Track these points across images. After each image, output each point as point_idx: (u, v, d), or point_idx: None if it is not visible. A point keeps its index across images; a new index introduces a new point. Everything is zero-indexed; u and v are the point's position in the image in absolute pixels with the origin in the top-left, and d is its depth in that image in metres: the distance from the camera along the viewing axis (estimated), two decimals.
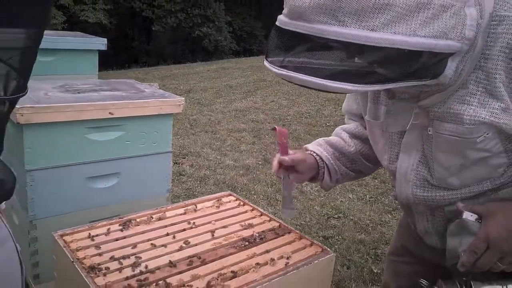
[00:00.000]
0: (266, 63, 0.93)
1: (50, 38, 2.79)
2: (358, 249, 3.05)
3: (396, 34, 0.79)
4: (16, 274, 0.84)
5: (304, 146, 1.45)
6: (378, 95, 1.13)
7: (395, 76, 0.85)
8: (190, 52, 21.96)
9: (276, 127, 1.33)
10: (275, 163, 1.33)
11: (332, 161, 1.37)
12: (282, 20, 0.88)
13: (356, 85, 0.84)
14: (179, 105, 2.04)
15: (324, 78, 0.83)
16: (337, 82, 0.83)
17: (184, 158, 4.86)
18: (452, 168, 1.06)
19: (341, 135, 1.42)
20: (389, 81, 0.86)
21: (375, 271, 2.79)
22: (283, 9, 0.89)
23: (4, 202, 0.88)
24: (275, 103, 7.65)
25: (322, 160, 1.37)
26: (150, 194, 2.08)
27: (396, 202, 1.24)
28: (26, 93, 0.77)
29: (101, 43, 2.94)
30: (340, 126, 1.46)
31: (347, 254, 2.98)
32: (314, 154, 1.37)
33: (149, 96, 2.04)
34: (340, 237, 3.21)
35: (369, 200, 3.86)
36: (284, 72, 0.87)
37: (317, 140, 1.45)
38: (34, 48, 0.74)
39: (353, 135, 1.40)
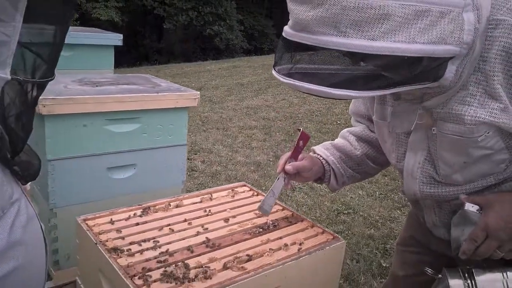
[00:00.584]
0: (274, 72, 0.98)
1: (69, 34, 2.85)
2: (367, 243, 3.09)
3: (396, 42, 0.82)
4: (42, 251, 0.89)
5: (312, 148, 1.51)
6: (384, 97, 1.18)
7: (397, 81, 0.89)
8: (201, 50, 22.06)
9: (302, 129, 1.40)
10: (281, 162, 1.40)
11: (338, 165, 1.43)
12: (287, 31, 0.93)
13: (360, 91, 0.88)
14: (195, 99, 2.10)
15: (329, 86, 0.87)
16: (342, 90, 0.87)
17: (196, 154, 4.92)
18: (456, 166, 1.10)
19: (348, 138, 1.47)
20: (391, 86, 0.90)
21: (384, 265, 2.82)
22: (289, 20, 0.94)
23: (29, 183, 0.93)
24: (286, 101, 7.69)
25: (329, 164, 1.43)
26: (165, 185, 2.14)
27: (405, 197, 1.29)
28: (54, 77, 0.83)
29: (117, 38, 3.01)
30: (346, 129, 1.51)
31: (356, 248, 3.01)
32: (321, 158, 1.43)
33: (166, 90, 2.09)
34: (349, 232, 3.25)
35: (379, 197, 3.89)
36: (290, 81, 0.92)
37: (324, 143, 1.50)
38: (62, 41, 0.79)
39: (360, 138, 1.45)
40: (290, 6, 0.91)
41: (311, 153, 1.49)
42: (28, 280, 0.81)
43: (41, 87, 0.81)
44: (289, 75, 0.93)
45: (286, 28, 0.94)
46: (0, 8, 0.63)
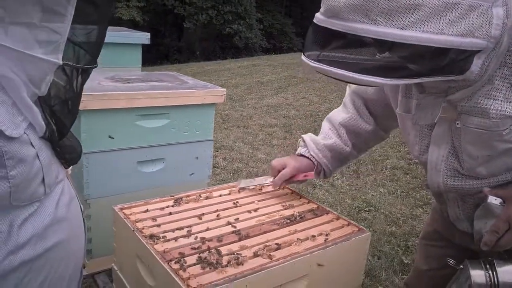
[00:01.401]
0: (303, 57, 1.02)
1: None
2: (388, 240, 3.10)
3: (424, 32, 0.85)
4: (82, 229, 0.96)
5: (303, 137, 1.59)
6: (409, 90, 1.19)
7: (422, 72, 0.91)
8: (221, 49, 22.19)
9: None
10: (277, 175, 1.55)
11: (329, 165, 1.54)
12: (318, 18, 0.96)
13: (386, 79, 0.91)
14: (221, 95, 2.16)
15: (356, 72, 0.90)
16: (369, 76, 0.90)
17: (217, 151, 5.00)
18: (480, 159, 1.11)
19: (339, 131, 1.53)
20: (417, 76, 0.92)
21: (405, 261, 2.84)
22: (320, 8, 0.97)
23: (70, 167, 0.99)
24: (306, 99, 7.70)
25: (321, 165, 1.54)
26: (192, 178, 2.21)
27: (429, 190, 1.32)
28: (97, 65, 0.89)
29: (145, 37, 3.10)
30: (337, 119, 1.54)
31: (378, 245, 3.03)
32: (314, 160, 1.54)
33: (193, 86, 2.16)
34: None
35: (400, 195, 3.89)
36: (319, 65, 0.95)
37: (315, 139, 1.57)
38: (103, 35, 0.86)
39: (349, 131, 1.52)
40: None
41: (300, 147, 1.59)
42: (70, 255, 0.88)
43: (86, 74, 0.87)
44: (318, 60, 0.96)
45: (317, 14, 0.97)
46: (55, 1, 0.70)
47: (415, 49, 0.86)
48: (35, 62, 0.72)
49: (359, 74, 0.90)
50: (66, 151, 0.88)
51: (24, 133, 0.73)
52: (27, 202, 0.76)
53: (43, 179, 0.78)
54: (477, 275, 1.11)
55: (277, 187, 1.63)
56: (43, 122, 0.77)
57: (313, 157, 1.54)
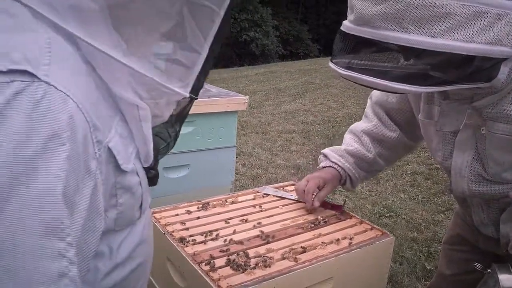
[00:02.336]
0: (331, 64, 1.03)
1: None
2: (410, 246, 3.10)
3: (455, 41, 0.86)
4: (153, 249, 0.97)
5: (323, 152, 1.59)
6: (431, 96, 1.21)
7: (452, 79, 0.93)
8: (237, 56, 22.35)
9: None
10: (308, 194, 1.51)
11: (354, 171, 1.53)
12: (347, 26, 0.98)
13: (417, 86, 0.92)
14: (244, 103, 2.21)
15: (387, 80, 0.92)
16: (399, 84, 0.92)
17: (236, 157, 5.03)
18: (506, 164, 1.12)
19: (362, 139, 1.53)
20: (446, 84, 0.94)
21: (428, 267, 2.83)
22: (347, 16, 0.99)
23: None
24: (324, 105, 7.72)
25: (344, 171, 1.52)
26: (216, 184, 2.26)
27: (452, 195, 1.33)
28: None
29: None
30: (360, 128, 1.55)
31: (399, 251, 3.03)
32: (337, 167, 1.53)
33: (216, 95, 2.22)
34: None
35: (421, 200, 3.87)
36: (350, 73, 0.97)
37: (335, 148, 1.57)
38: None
39: (374, 139, 1.52)
40: (354, 2, 0.95)
41: (321, 160, 1.59)
42: (145, 275, 0.90)
43: (193, 102, 0.88)
44: (348, 68, 0.98)
45: (346, 22, 0.99)
46: (193, 37, 0.74)
47: (445, 57, 0.88)
48: (170, 95, 0.75)
49: (391, 82, 0.92)
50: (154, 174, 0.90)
51: (133, 163, 0.74)
52: (125, 226, 0.78)
53: (141, 204, 0.80)
54: (506, 279, 1.11)
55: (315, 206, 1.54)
56: (152, 153, 0.79)
57: (336, 163, 1.53)
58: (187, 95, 0.77)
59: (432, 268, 2.79)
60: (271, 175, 4.53)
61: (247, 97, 2.26)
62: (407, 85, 0.92)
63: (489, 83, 0.96)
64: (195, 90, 0.79)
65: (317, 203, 1.51)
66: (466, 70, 0.90)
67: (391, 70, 0.95)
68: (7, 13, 0.57)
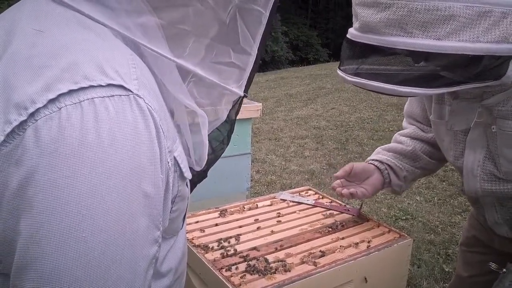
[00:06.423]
0: (339, 71, 1.05)
1: None
2: (428, 249, 3.08)
3: (460, 42, 0.87)
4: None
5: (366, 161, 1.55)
6: (442, 96, 1.21)
7: (460, 80, 0.94)
8: None
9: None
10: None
11: (393, 161, 1.46)
12: (353, 33, 0.99)
13: (425, 89, 0.94)
14: (257, 110, 2.24)
15: (395, 84, 0.94)
16: (408, 87, 0.93)
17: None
18: None
19: (398, 139, 1.51)
20: (455, 84, 0.95)
21: (446, 269, 2.81)
22: (353, 23, 1.01)
23: None
24: (336, 110, 7.72)
25: (383, 163, 1.46)
26: (232, 191, 2.28)
27: (465, 196, 1.32)
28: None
29: None
30: (397, 133, 1.55)
31: (417, 253, 3.01)
32: (374, 162, 1.48)
33: None
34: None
35: (437, 202, 3.85)
36: (357, 79, 0.98)
37: (374, 151, 1.55)
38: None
39: (411, 137, 1.49)
40: (357, 10, 0.97)
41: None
42: (181, 287, 0.90)
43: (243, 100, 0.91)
44: (356, 74, 0.99)
45: (351, 30, 1.01)
46: (245, 40, 0.77)
47: (451, 58, 0.89)
48: (229, 96, 0.80)
49: (398, 86, 0.93)
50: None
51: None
52: (170, 236, 0.79)
53: (185, 214, 0.82)
54: None
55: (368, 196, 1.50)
56: (206, 156, 0.81)
57: (375, 160, 1.48)
58: (243, 94, 0.81)
59: (450, 270, 2.78)
60: (285, 181, 4.54)
61: (261, 104, 2.28)
62: (415, 88, 0.93)
63: (498, 81, 0.97)
64: (247, 89, 0.82)
65: (343, 191, 1.46)
66: (474, 70, 0.91)
67: (398, 74, 0.96)
68: (95, 32, 0.61)
